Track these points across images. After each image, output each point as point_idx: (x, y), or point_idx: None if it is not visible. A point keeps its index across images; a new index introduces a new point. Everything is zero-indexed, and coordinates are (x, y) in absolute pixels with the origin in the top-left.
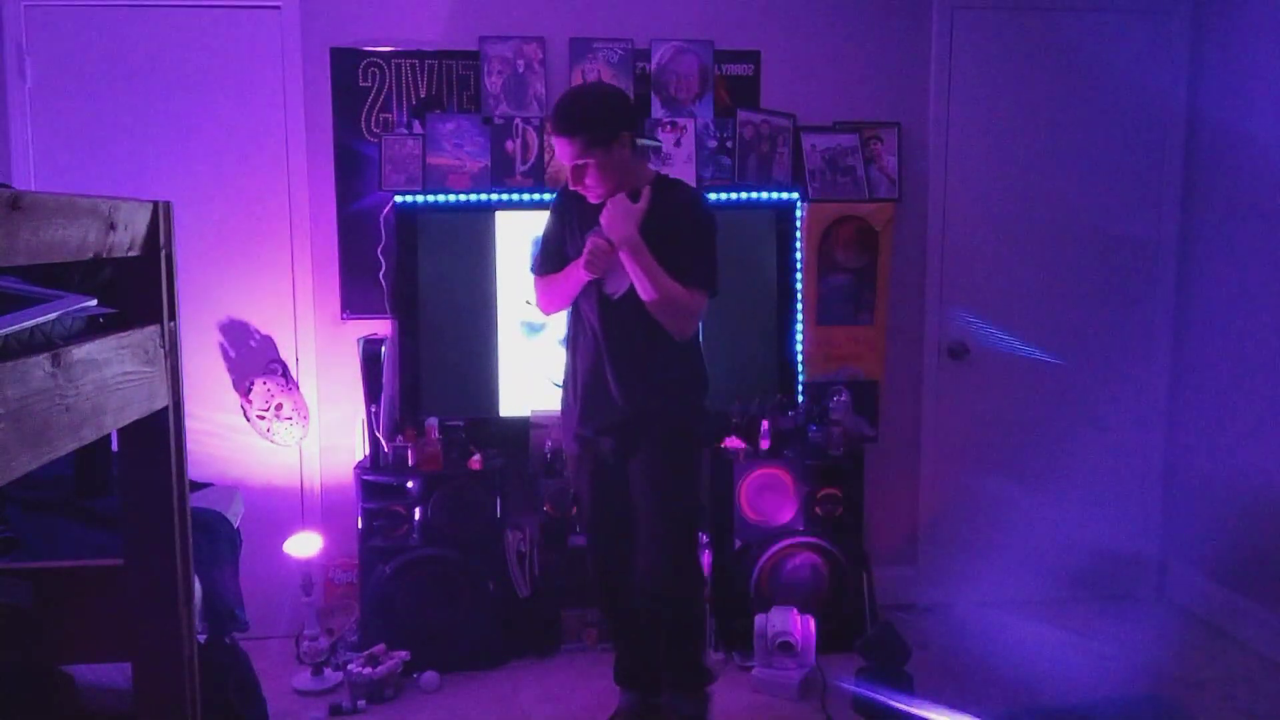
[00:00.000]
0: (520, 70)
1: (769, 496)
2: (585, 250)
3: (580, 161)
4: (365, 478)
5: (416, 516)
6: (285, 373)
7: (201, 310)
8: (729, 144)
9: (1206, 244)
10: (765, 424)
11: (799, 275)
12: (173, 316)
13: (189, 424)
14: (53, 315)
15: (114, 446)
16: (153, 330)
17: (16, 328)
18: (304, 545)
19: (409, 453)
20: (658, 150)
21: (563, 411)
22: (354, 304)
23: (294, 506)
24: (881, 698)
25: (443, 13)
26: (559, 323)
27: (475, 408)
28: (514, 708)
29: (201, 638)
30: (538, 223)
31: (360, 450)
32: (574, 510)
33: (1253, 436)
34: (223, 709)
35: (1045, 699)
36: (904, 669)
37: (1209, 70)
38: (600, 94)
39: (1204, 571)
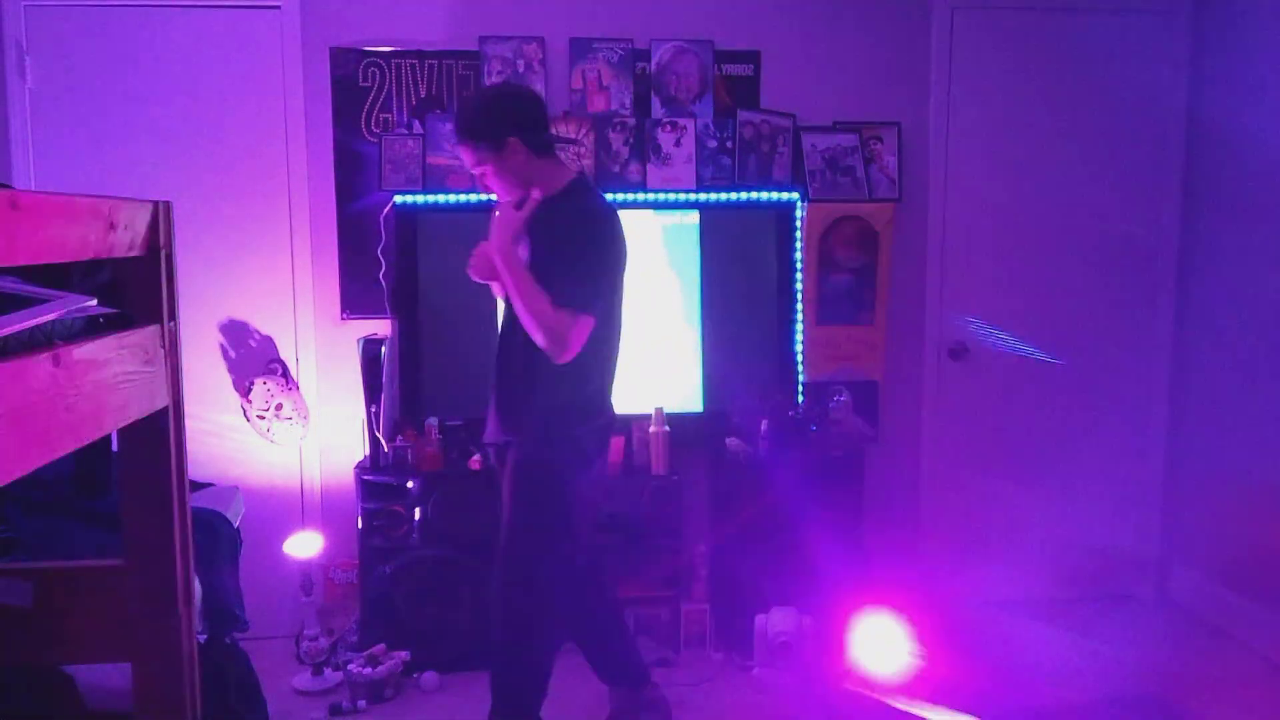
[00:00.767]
0: (520, 70)
1: None
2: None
3: (477, 170)
4: (365, 478)
5: (416, 516)
6: (285, 373)
7: (201, 310)
8: (729, 144)
9: (1206, 244)
10: (765, 424)
11: (799, 275)
12: (173, 316)
13: (189, 424)
14: (53, 315)
15: (114, 446)
16: (153, 330)
17: (16, 328)
18: (304, 545)
19: (409, 453)
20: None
21: None
22: (354, 304)
23: (294, 506)
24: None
25: (443, 13)
26: None
27: (475, 408)
28: None
29: (201, 638)
30: None
31: (360, 450)
32: None
33: (1252, 436)
34: (223, 709)
35: (1045, 699)
36: None
37: (1209, 70)
38: (485, 100)
39: (1204, 571)
